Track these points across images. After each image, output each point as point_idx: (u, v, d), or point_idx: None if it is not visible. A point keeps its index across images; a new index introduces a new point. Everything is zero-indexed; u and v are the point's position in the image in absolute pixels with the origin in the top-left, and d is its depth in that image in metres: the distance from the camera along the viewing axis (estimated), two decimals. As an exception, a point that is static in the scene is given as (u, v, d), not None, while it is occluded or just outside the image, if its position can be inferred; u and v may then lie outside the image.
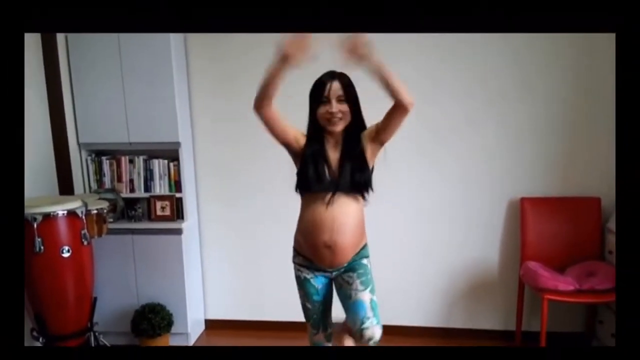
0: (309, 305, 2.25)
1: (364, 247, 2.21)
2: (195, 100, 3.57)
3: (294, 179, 2.16)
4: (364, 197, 2.13)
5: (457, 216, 3.45)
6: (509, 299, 3.45)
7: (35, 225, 2.64)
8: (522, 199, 3.30)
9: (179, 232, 3.39)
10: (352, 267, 2.16)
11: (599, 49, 3.14)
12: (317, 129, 2.11)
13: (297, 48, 1.88)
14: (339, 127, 2.05)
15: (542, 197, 3.30)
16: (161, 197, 3.47)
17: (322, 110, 2.04)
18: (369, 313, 2.04)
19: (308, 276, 2.21)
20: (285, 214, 3.54)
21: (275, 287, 3.68)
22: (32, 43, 3.15)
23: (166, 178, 3.47)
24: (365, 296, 2.09)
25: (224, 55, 3.48)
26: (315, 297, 2.22)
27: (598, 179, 3.26)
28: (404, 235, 3.50)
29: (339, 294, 2.22)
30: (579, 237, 3.22)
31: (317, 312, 2.24)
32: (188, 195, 3.50)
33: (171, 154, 3.45)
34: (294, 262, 2.27)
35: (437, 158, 3.39)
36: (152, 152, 3.50)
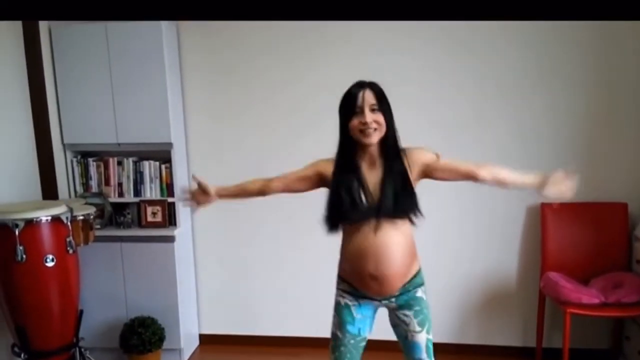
0: (339, 334, 2.16)
1: (417, 274, 2.15)
2: (188, 98, 3.58)
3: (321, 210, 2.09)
4: (412, 222, 2.06)
5: (471, 224, 3.45)
6: (528, 313, 3.45)
7: (16, 233, 2.64)
8: (542, 205, 3.29)
9: (171, 239, 3.40)
10: (408, 302, 2.12)
11: (623, 37, 3.13)
12: (349, 147, 2.05)
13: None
14: (374, 138, 1.99)
15: (564, 202, 3.29)
16: (152, 202, 3.48)
17: (354, 121, 1.98)
18: (424, 355, 2.15)
19: (350, 302, 2.15)
20: (285, 220, 3.57)
21: (274, 299, 3.68)
22: (12, 34, 3.16)
23: (157, 181, 3.48)
24: (421, 338, 2.13)
25: (219, 48, 3.49)
26: (349, 327, 2.14)
27: (624, 182, 3.26)
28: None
29: (394, 330, 2.22)
30: (604, 245, 3.22)
31: (345, 345, 2.14)
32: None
33: (163, 156, 3.46)
34: (337, 288, 2.20)
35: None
36: (142, 154, 3.51)
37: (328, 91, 3.32)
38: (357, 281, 2.11)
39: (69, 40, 3.34)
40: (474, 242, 3.45)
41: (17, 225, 2.64)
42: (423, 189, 3.47)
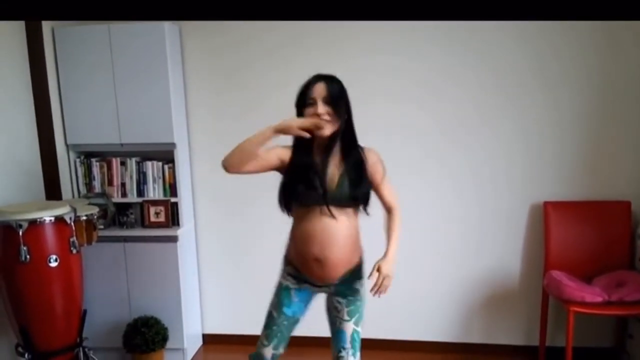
0: (274, 314, 2.28)
1: (359, 267, 2.24)
2: (191, 98, 3.58)
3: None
4: (364, 210, 2.16)
5: (474, 222, 3.45)
6: (532, 311, 3.44)
7: (20, 233, 2.64)
8: (545, 203, 3.29)
9: (174, 239, 3.40)
10: (344, 291, 2.21)
11: (626, 34, 3.13)
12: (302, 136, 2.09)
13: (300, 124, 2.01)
14: (327, 130, 2.03)
15: (567, 200, 3.29)
16: (155, 202, 3.48)
17: (307, 111, 2.04)
18: (347, 344, 2.21)
19: (291, 285, 2.25)
20: (288, 220, 3.56)
21: (278, 298, 3.68)
22: (15, 34, 3.16)
23: (160, 181, 3.48)
24: (348, 327, 2.21)
25: (222, 49, 3.49)
26: (285, 309, 2.25)
27: (628, 180, 3.25)
28: (415, 244, 3.50)
29: (327, 315, 2.31)
30: (607, 244, 3.21)
31: (278, 324, 2.26)
32: (184, 200, 3.51)
33: (166, 156, 3.46)
34: (282, 269, 2.32)
35: (450, 159, 3.39)
36: (145, 154, 3.52)
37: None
38: (301, 264, 2.19)
39: (72, 40, 3.34)
40: (476, 240, 3.45)
41: (20, 226, 2.65)
42: (425, 187, 3.49)
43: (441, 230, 3.47)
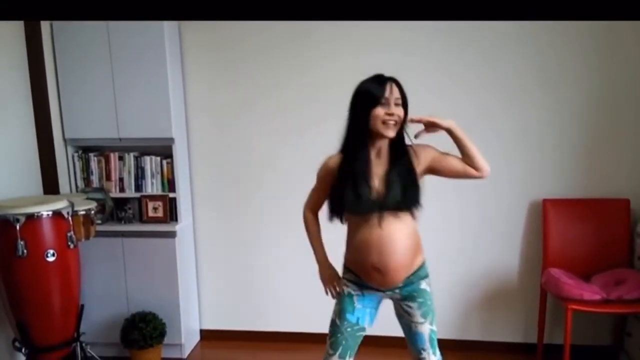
0: (337, 322, 2.18)
1: (421, 266, 2.19)
2: (190, 93, 3.57)
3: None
4: (413, 215, 2.09)
5: (473, 219, 3.44)
6: (530, 309, 3.44)
7: (17, 227, 2.64)
8: (545, 201, 3.29)
9: (172, 234, 3.39)
10: (411, 294, 2.15)
11: (626, 38, 3.13)
12: (360, 138, 2.04)
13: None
14: (393, 132, 2.00)
15: (566, 198, 3.29)
16: (153, 197, 3.47)
17: (379, 111, 1.97)
18: (427, 345, 2.19)
19: (353, 292, 2.18)
20: (287, 216, 3.56)
21: (276, 294, 3.68)
22: (13, 29, 3.15)
23: (159, 177, 3.47)
24: (425, 328, 2.17)
25: (221, 44, 3.48)
26: (348, 315, 2.16)
27: (627, 178, 3.25)
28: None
29: (399, 321, 2.26)
30: (606, 242, 3.21)
31: (343, 332, 2.16)
32: (182, 195, 3.51)
33: (164, 151, 3.45)
34: (343, 276, 2.25)
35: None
36: (143, 149, 3.51)
37: (330, 88, 3.34)
38: (360, 271, 2.14)
39: (70, 34, 3.32)
40: (475, 237, 3.45)
41: (18, 220, 2.64)
42: (426, 184, 3.47)
43: (440, 227, 3.46)
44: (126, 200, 3.55)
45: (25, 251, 2.67)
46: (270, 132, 3.52)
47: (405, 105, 2.04)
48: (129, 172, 3.48)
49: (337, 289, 2.21)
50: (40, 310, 2.79)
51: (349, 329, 2.16)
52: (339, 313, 2.19)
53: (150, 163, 3.46)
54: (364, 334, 2.21)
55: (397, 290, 2.14)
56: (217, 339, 3.80)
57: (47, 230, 2.75)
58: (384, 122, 1.98)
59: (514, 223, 3.40)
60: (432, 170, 2.15)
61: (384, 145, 2.06)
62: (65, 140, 3.47)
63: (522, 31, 3.20)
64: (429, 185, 3.44)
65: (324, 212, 2.22)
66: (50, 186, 3.36)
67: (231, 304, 3.78)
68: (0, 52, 3.03)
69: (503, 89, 3.27)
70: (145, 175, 3.47)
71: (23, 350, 2.82)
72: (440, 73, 3.30)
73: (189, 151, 3.61)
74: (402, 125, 2.05)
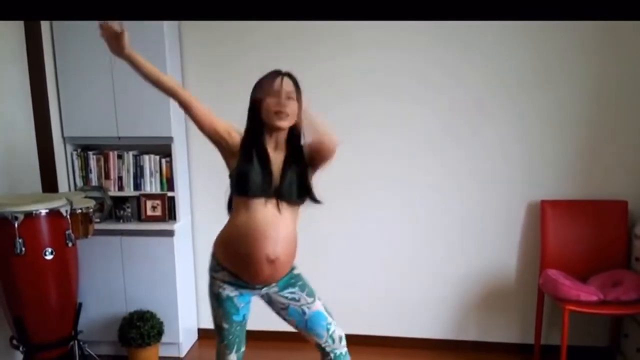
0: (225, 325, 2.19)
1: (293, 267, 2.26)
2: (190, 91, 3.54)
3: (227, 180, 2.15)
4: (314, 200, 2.13)
5: (471, 220, 3.44)
6: (527, 309, 3.44)
7: (16, 225, 2.64)
8: (543, 202, 3.29)
9: (170, 233, 3.39)
10: (289, 281, 2.19)
11: (625, 38, 3.13)
12: (257, 126, 2.09)
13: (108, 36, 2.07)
14: (286, 123, 2.03)
15: (564, 199, 3.29)
16: (152, 196, 3.47)
17: (271, 101, 2.02)
18: (329, 319, 2.20)
19: (231, 294, 2.16)
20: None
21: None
22: (13, 26, 3.14)
23: (157, 175, 3.47)
24: (318, 305, 2.20)
25: (220, 42, 3.48)
26: (235, 317, 2.19)
27: (625, 180, 3.25)
28: (411, 241, 3.50)
29: (287, 315, 2.24)
30: (603, 243, 3.21)
31: (234, 332, 2.20)
32: (181, 194, 3.50)
33: (163, 150, 3.45)
34: (214, 276, 2.21)
35: (448, 157, 3.39)
36: (142, 147, 3.50)
37: (329, 85, 3.34)
38: (243, 266, 2.09)
39: (69, 33, 3.32)
40: (473, 238, 3.45)
41: (16, 218, 2.64)
42: (423, 184, 3.48)
43: (438, 228, 3.46)
44: (125, 199, 3.55)
45: (23, 249, 2.66)
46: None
47: (299, 99, 2.05)
48: (128, 171, 3.48)
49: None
50: (38, 308, 2.79)
51: (238, 327, 2.21)
52: (225, 318, 2.19)
53: (149, 162, 3.46)
54: (247, 319, 2.27)
55: (273, 286, 2.17)
56: (215, 338, 3.78)
57: (46, 228, 2.76)
58: (276, 113, 2.01)
59: (511, 224, 3.40)
60: (310, 159, 2.12)
61: (280, 138, 2.09)
62: (64, 138, 3.47)
63: (521, 31, 3.20)
64: (428, 186, 3.46)
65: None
66: (49, 184, 3.36)
67: (229, 303, 3.77)
68: (-1, 50, 3.04)
69: (502, 90, 3.28)
70: (144, 174, 3.47)
71: (21, 348, 2.82)
72: (439, 72, 3.30)
73: (188, 150, 3.61)
74: (300, 119, 2.07)
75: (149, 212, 3.47)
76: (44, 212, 2.73)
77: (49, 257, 2.76)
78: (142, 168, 3.47)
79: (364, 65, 3.34)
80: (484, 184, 3.39)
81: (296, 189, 2.05)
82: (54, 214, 2.78)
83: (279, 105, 2.01)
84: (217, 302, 2.19)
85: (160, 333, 3.34)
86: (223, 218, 3.63)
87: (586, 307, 2.87)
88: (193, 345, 3.74)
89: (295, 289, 2.19)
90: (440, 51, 3.29)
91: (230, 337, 2.21)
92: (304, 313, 2.19)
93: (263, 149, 2.06)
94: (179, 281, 3.44)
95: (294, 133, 2.10)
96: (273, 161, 2.06)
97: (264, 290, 2.19)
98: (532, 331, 3.40)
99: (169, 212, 3.48)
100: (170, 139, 3.36)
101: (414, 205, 3.45)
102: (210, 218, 3.69)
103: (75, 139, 3.49)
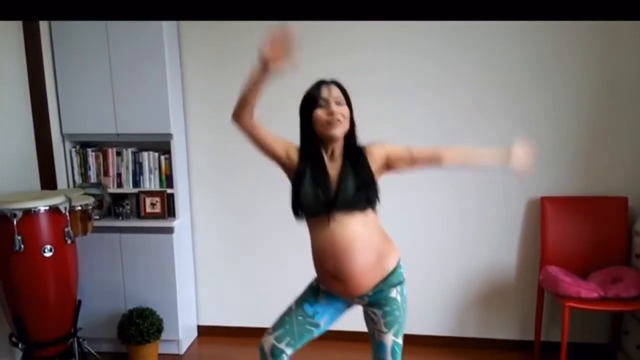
0: (292, 306, 2.12)
1: (394, 271, 2.06)
2: (188, 88, 3.56)
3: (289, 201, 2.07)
4: (373, 209, 2.02)
5: (471, 217, 3.44)
6: (527, 306, 3.44)
7: (14, 222, 2.63)
8: (542, 199, 3.29)
9: (170, 230, 3.39)
10: (379, 301, 2.05)
11: (624, 36, 3.13)
12: (312, 141, 2.02)
13: (276, 53, 1.87)
14: (340, 130, 1.96)
15: (564, 196, 3.29)
16: (151, 193, 3.46)
17: (320, 112, 1.96)
18: (388, 357, 2.07)
19: (322, 287, 2.10)
20: (284, 212, 3.55)
21: (274, 291, 3.67)
22: (11, 23, 3.13)
23: (157, 172, 3.46)
24: (387, 339, 2.06)
25: (219, 39, 3.47)
26: (306, 306, 2.10)
27: (625, 176, 3.25)
28: (411, 237, 3.49)
29: (366, 324, 2.16)
30: (603, 240, 3.21)
31: (292, 317, 2.09)
32: (180, 191, 3.50)
33: (162, 146, 3.44)
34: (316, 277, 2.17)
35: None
36: (141, 144, 3.50)
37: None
38: (322, 280, 2.08)
39: (68, 30, 3.31)
40: (473, 235, 3.45)
41: (15, 215, 2.63)
42: (422, 181, 3.48)
43: (438, 224, 3.46)
44: (124, 196, 3.54)
45: (22, 246, 2.66)
46: (268, 127, 3.51)
47: (349, 104, 2.01)
48: (127, 168, 3.48)
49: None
50: (37, 306, 2.79)
51: (300, 318, 2.08)
52: (299, 299, 2.13)
53: (148, 159, 3.45)
54: (315, 331, 2.12)
55: (365, 298, 2.04)
56: (215, 335, 3.79)
57: (45, 225, 2.75)
58: (328, 122, 1.95)
59: (512, 221, 3.40)
60: (390, 163, 2.06)
61: (337, 147, 2.02)
62: (63, 135, 3.46)
63: (521, 30, 3.19)
64: (426, 183, 3.45)
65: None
66: (48, 181, 3.35)
67: (229, 301, 3.78)
68: (-3, 46, 3.03)
69: (502, 87, 3.27)
70: (143, 171, 3.47)
71: (20, 345, 2.82)
72: (439, 71, 3.30)
73: (187, 147, 3.61)
74: (352, 126, 2.03)
75: (148, 209, 3.47)
76: (42, 209, 2.73)
77: (48, 254, 2.75)
78: (141, 165, 3.46)
79: (363, 64, 3.33)
80: (483, 181, 3.38)
81: (356, 197, 1.95)
82: (53, 211, 2.77)
83: (330, 113, 1.94)
84: (306, 287, 2.17)
85: (159, 330, 3.34)
86: (222, 214, 3.67)
87: (586, 303, 2.86)
88: (193, 343, 3.74)
89: (379, 312, 2.05)
90: (440, 50, 3.28)
91: (286, 318, 2.10)
92: (372, 335, 2.11)
93: (319, 163, 2.00)
94: (178, 278, 3.43)
95: (349, 140, 2.03)
96: (330, 172, 1.99)
97: (356, 301, 2.09)
98: (532, 328, 3.40)
99: (168, 209, 3.48)
100: (170, 135, 3.35)
101: (413, 202, 3.45)
102: (209, 215, 3.70)
103: (74, 136, 3.49)
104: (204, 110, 3.56)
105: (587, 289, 2.88)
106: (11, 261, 2.68)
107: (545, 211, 3.26)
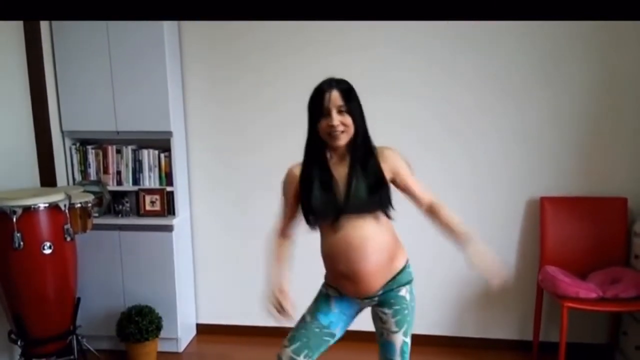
0: (307, 317, 2.10)
1: (402, 270, 2.07)
2: (188, 86, 3.56)
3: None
4: (387, 215, 2.00)
5: (470, 216, 3.40)
6: (526, 306, 3.45)
7: (14, 219, 2.64)
8: (542, 199, 3.29)
9: (169, 228, 3.39)
10: (388, 300, 2.05)
11: (624, 37, 3.13)
12: (317, 145, 2.00)
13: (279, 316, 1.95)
14: (342, 141, 1.93)
15: (564, 196, 3.29)
16: (151, 191, 3.47)
17: (322, 124, 1.92)
18: (397, 357, 2.06)
19: (332, 294, 2.10)
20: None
21: (272, 289, 3.68)
22: (12, 22, 3.13)
23: (156, 170, 3.47)
24: (397, 339, 2.05)
25: (220, 38, 3.47)
26: (320, 316, 2.08)
27: (625, 177, 3.26)
28: (411, 236, 3.47)
29: (374, 324, 2.15)
30: (602, 240, 3.22)
31: (308, 329, 2.07)
32: (180, 189, 3.50)
33: (162, 144, 3.44)
34: (324, 280, 2.17)
35: (448, 153, 3.39)
36: (141, 142, 3.50)
37: (328, 81, 3.33)
38: (333, 281, 2.08)
39: (69, 28, 3.31)
40: (473, 234, 3.44)
41: (14, 212, 2.64)
42: (423, 180, 3.47)
43: (437, 224, 3.46)
44: (123, 194, 3.55)
45: (21, 243, 2.67)
46: (269, 127, 3.52)
47: (352, 109, 1.94)
48: (127, 165, 3.48)
49: (283, 305, 1.95)
50: (36, 303, 2.80)
51: (316, 329, 2.07)
52: (312, 310, 2.11)
53: (148, 156, 3.45)
54: (331, 341, 2.10)
55: (375, 298, 2.05)
56: (213, 333, 3.80)
57: (44, 222, 2.76)
58: (329, 134, 1.92)
59: (511, 220, 3.41)
60: (394, 179, 2.05)
61: (343, 150, 1.99)
62: (62, 132, 3.47)
63: (522, 30, 3.19)
64: (427, 183, 3.45)
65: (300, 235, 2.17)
66: (48, 178, 3.36)
67: (228, 299, 3.78)
68: (-2, 43, 3.03)
69: (502, 87, 3.27)
70: (143, 169, 3.47)
71: (19, 342, 2.83)
72: (439, 70, 3.30)
73: (187, 145, 3.61)
74: (361, 127, 1.97)
75: (148, 207, 3.47)
76: (42, 206, 2.73)
77: (47, 251, 2.76)
78: (140, 163, 3.47)
79: (363, 64, 3.34)
80: (483, 181, 3.39)
81: (367, 199, 1.93)
82: (52, 208, 2.78)
83: (331, 127, 1.90)
84: (316, 296, 2.15)
85: (158, 328, 3.34)
86: (221, 213, 3.67)
87: (585, 304, 2.87)
88: (191, 341, 3.75)
89: (388, 311, 2.04)
90: (439, 50, 3.28)
91: (302, 331, 2.07)
92: (381, 334, 2.10)
93: (323, 170, 1.98)
94: (177, 276, 3.44)
95: (357, 142, 1.97)
96: (338, 176, 1.96)
97: (366, 302, 2.08)
98: (531, 328, 3.40)
99: (168, 206, 3.48)
100: (169, 133, 3.36)
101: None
102: (209, 213, 3.70)
103: (73, 133, 3.49)
104: (203, 108, 3.57)
105: (586, 289, 2.89)
106: (10, 258, 2.69)
107: (544, 211, 3.27)
